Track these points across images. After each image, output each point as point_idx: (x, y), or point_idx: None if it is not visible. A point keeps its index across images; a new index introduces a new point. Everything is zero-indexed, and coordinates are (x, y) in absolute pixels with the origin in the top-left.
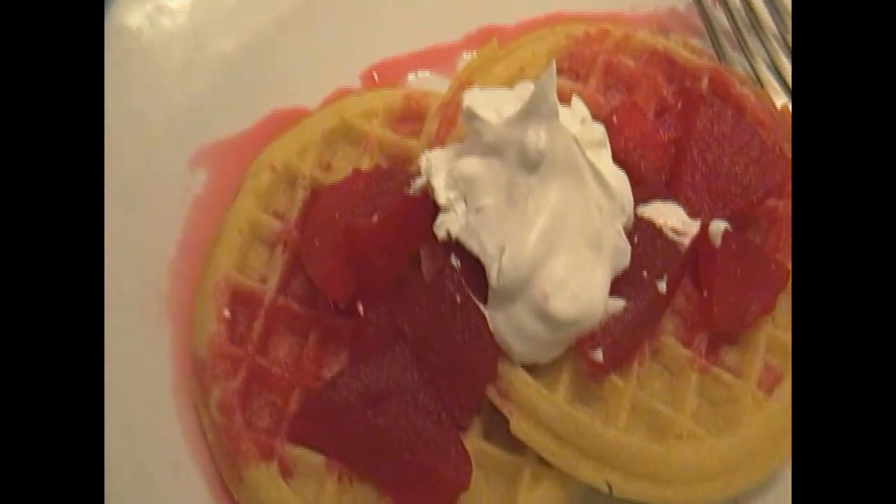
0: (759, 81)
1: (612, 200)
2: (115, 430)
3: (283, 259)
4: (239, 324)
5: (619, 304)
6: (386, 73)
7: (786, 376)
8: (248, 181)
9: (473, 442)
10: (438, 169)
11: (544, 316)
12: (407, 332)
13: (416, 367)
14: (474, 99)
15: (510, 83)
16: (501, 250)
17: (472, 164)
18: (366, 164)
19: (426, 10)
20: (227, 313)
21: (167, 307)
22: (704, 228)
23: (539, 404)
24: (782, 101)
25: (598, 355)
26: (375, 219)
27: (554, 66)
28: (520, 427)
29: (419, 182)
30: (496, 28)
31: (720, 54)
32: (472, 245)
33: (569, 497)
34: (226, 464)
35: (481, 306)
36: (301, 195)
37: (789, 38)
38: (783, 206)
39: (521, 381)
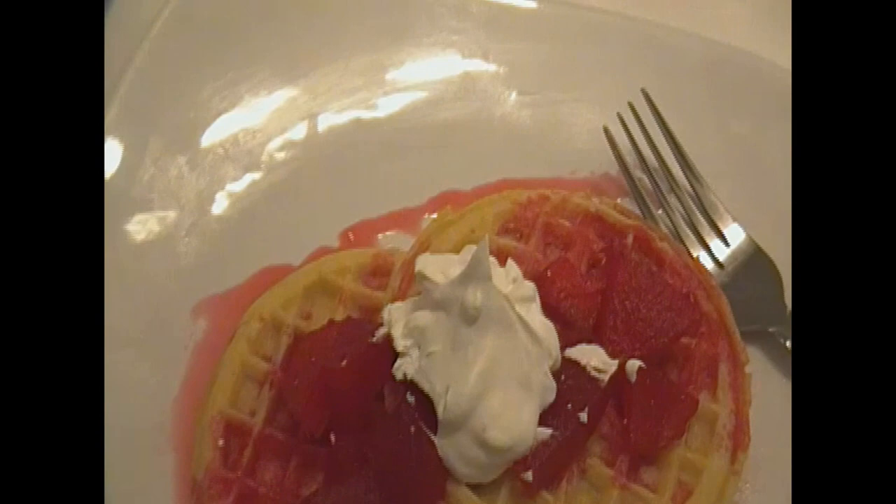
0: (678, 236)
1: (539, 346)
2: None
3: (269, 395)
4: (231, 451)
5: (546, 432)
6: (360, 233)
7: (696, 490)
8: (241, 329)
9: None
10: (398, 320)
11: (483, 444)
12: (370, 457)
13: (377, 488)
14: (425, 263)
15: (462, 243)
16: (447, 389)
17: (423, 317)
18: (340, 314)
19: (395, 179)
20: (221, 442)
21: (170, 439)
22: (622, 367)
23: None
24: (697, 252)
25: (529, 476)
26: (344, 363)
27: (487, 239)
28: None
29: (382, 331)
30: (454, 194)
31: (645, 213)
32: (424, 385)
33: None
34: None
35: (431, 436)
36: (285, 341)
37: (703, 196)
38: (695, 345)
39: (466, 498)
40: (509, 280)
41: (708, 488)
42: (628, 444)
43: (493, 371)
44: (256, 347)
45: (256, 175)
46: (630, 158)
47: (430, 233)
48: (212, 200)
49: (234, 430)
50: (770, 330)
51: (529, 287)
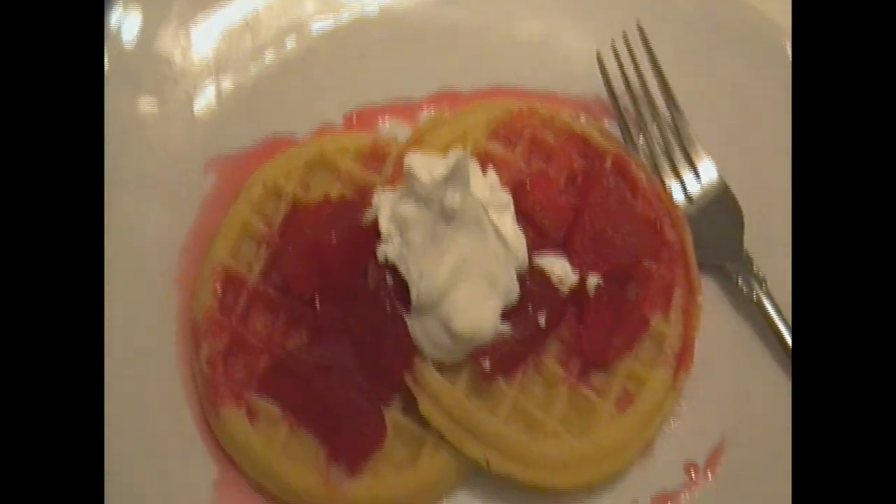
0: (655, 165)
1: (508, 251)
2: (125, 369)
3: (266, 255)
4: (228, 299)
5: (506, 329)
6: (363, 117)
7: (638, 399)
8: (245, 191)
9: (393, 414)
10: (385, 206)
11: (448, 330)
12: (351, 325)
13: (353, 353)
14: (413, 161)
15: (453, 142)
16: (420, 277)
17: (407, 208)
18: (337, 191)
19: (400, 70)
20: (219, 290)
21: (176, 282)
22: (583, 280)
23: (441, 392)
24: (669, 183)
25: (487, 365)
26: (334, 240)
27: (468, 149)
28: (425, 407)
29: (370, 215)
30: (452, 93)
31: (626, 139)
32: (402, 269)
33: (459, 467)
34: (207, 403)
35: (405, 315)
36: (284, 207)
37: (682, 131)
38: (656, 269)
39: (430, 374)
40: (487, 188)
41: (649, 399)
42: (581, 350)
43: (464, 267)
44: (258, 209)
45: (271, 48)
46: (619, 85)
47: (425, 129)
48: (228, 65)
49: (232, 281)
50: (726, 266)
51: (505, 196)
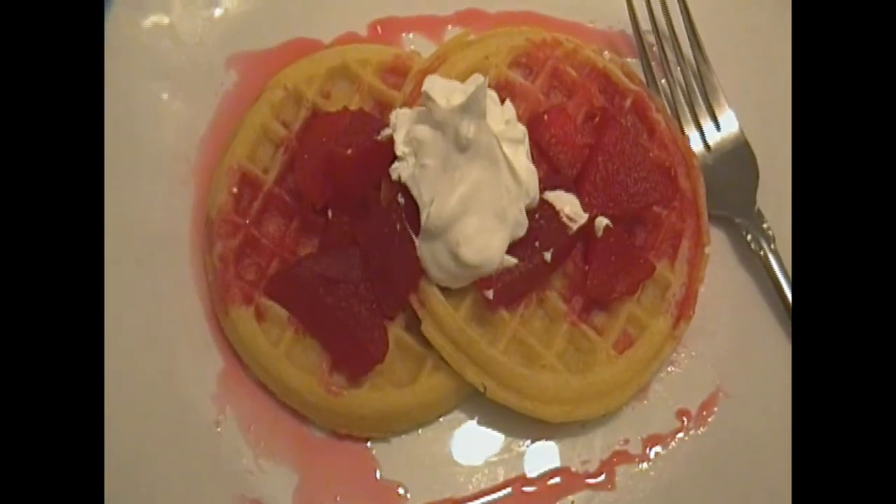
0: (676, 110)
1: (519, 185)
2: (141, 255)
3: (282, 159)
4: (243, 200)
5: (512, 261)
6: (387, 28)
7: (637, 342)
8: (266, 93)
9: (396, 330)
10: (402, 126)
11: (455, 257)
12: (360, 240)
13: (361, 267)
14: (432, 84)
15: (474, 66)
16: (431, 201)
17: (423, 131)
18: (356, 103)
19: None
20: (235, 190)
21: (194, 171)
22: (592, 220)
23: (444, 317)
24: (689, 130)
25: (490, 294)
26: (349, 152)
27: (486, 81)
28: (428, 329)
29: (387, 132)
30: (479, 12)
31: (649, 80)
32: (414, 191)
33: (457, 388)
34: (218, 300)
35: (414, 236)
36: (303, 113)
37: (706, 78)
38: (666, 215)
39: (434, 297)
40: (503, 120)
41: (648, 344)
42: (584, 288)
43: (474, 197)
44: (277, 112)
45: None
46: (645, 24)
47: (447, 49)
48: None
49: (247, 182)
50: (736, 220)
51: (520, 130)
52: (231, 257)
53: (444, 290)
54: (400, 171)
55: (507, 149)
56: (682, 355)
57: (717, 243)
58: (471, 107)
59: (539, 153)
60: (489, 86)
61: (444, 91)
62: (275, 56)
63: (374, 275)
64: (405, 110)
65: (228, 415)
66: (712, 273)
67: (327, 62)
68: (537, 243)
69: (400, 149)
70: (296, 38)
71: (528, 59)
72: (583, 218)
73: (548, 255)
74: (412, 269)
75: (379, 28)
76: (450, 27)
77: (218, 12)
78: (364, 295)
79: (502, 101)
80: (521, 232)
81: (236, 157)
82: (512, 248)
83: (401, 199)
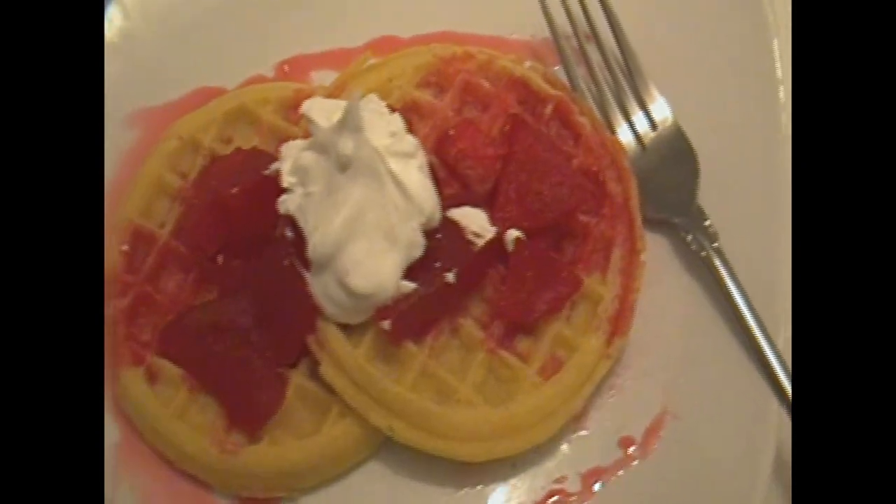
0: (606, 112)
1: (410, 203)
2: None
3: (179, 210)
4: (137, 257)
5: (410, 286)
6: (295, 67)
7: (564, 367)
8: (160, 145)
9: (298, 378)
10: (289, 157)
11: (345, 287)
12: (250, 282)
13: (252, 312)
14: (312, 106)
15: (377, 90)
16: (316, 229)
17: (308, 158)
18: (257, 144)
19: (336, 17)
20: (125, 248)
21: None
22: (501, 235)
23: (343, 356)
24: (622, 130)
25: (387, 325)
26: (235, 191)
27: (360, 91)
28: (327, 371)
29: (275, 165)
30: (392, 38)
31: (575, 84)
32: (301, 222)
33: (367, 435)
34: (109, 364)
35: (305, 272)
36: (200, 161)
37: (636, 74)
38: (595, 224)
39: (332, 335)
40: (387, 133)
41: (578, 366)
42: (501, 310)
43: (359, 219)
44: (173, 163)
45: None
46: (563, 23)
47: (347, 75)
48: (156, 10)
49: (141, 238)
50: (675, 221)
51: (410, 143)
52: (121, 318)
53: (346, 327)
54: (287, 203)
55: (394, 164)
56: (624, 377)
57: (659, 249)
58: (347, 122)
59: (449, 171)
60: (394, 108)
61: (326, 111)
62: (178, 108)
63: (267, 319)
64: (295, 141)
65: (123, 492)
66: (655, 282)
67: (224, 106)
68: (438, 264)
69: (286, 180)
70: (199, 87)
71: (438, 77)
72: (490, 232)
73: (451, 276)
74: (306, 308)
75: (286, 67)
76: (371, 62)
77: (112, 70)
78: (257, 341)
79: (409, 124)
80: (418, 253)
81: (126, 214)
82: (410, 272)
83: (289, 234)
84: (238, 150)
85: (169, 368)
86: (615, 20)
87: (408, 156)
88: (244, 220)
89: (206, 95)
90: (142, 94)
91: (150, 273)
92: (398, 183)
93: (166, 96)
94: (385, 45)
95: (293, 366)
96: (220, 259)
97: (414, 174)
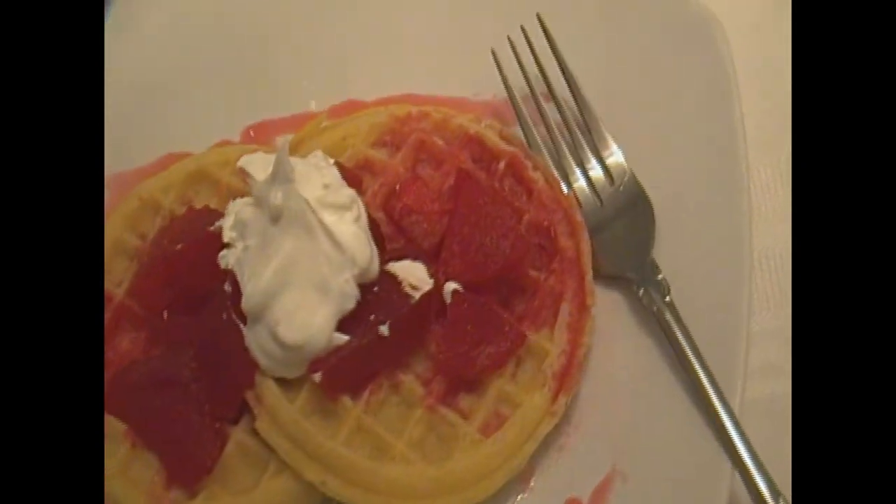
0: (563, 168)
1: (342, 254)
2: None
3: (135, 270)
4: None
5: (343, 338)
6: (260, 132)
7: (506, 424)
8: (120, 206)
9: (239, 434)
10: (232, 212)
11: (276, 339)
12: (191, 338)
13: (192, 367)
14: (248, 160)
15: (331, 149)
16: (249, 281)
17: (247, 212)
18: (216, 205)
19: (301, 82)
20: None
21: None
22: (439, 287)
23: (278, 410)
24: (578, 185)
25: (318, 377)
26: (179, 247)
27: (287, 142)
28: (262, 426)
29: (219, 222)
30: (356, 102)
31: (531, 142)
32: (239, 275)
33: (304, 492)
34: None
35: (241, 326)
36: (159, 222)
37: (592, 128)
38: (544, 279)
39: (269, 389)
40: (320, 185)
41: (521, 423)
42: (439, 365)
43: (290, 270)
44: (132, 224)
45: (170, 58)
46: (518, 82)
47: (303, 136)
48: (127, 77)
49: None
50: (628, 275)
51: (346, 195)
52: None
53: (284, 381)
54: (227, 258)
55: (327, 215)
56: (572, 435)
57: (612, 305)
58: (277, 173)
59: (393, 226)
60: (345, 165)
61: (264, 165)
62: (147, 173)
63: (206, 373)
64: (242, 198)
65: None
66: (607, 339)
67: (185, 169)
68: (372, 317)
69: (227, 235)
70: (167, 153)
71: (393, 136)
72: (428, 284)
73: (384, 329)
74: (245, 363)
75: (252, 132)
76: (325, 123)
77: None
78: (196, 396)
79: (360, 182)
80: (350, 305)
81: None
82: (343, 325)
83: (228, 288)
84: (190, 208)
85: (114, 423)
86: (571, 78)
87: (342, 208)
88: (188, 277)
89: (173, 160)
90: (114, 160)
91: (105, 332)
92: (330, 234)
93: (136, 161)
94: (348, 109)
95: (235, 421)
96: (165, 315)
97: (348, 226)
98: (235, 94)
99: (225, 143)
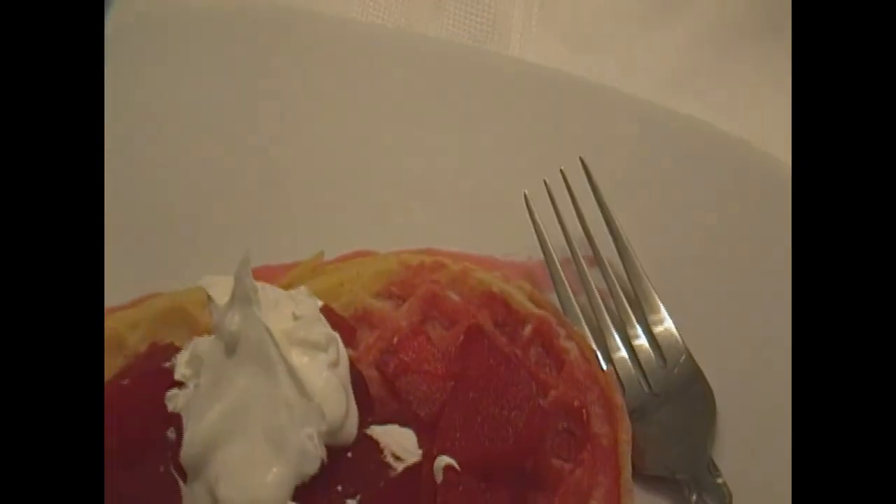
0: (604, 343)
1: (308, 403)
2: None
3: None
4: None
5: None
6: (260, 277)
7: None
8: None
9: None
10: (189, 346)
11: (215, 499)
12: (126, 494)
13: None
14: (211, 281)
15: (325, 293)
16: (190, 426)
17: (204, 345)
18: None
19: (312, 231)
20: None
21: None
22: (430, 461)
23: None
24: (619, 361)
25: None
26: (126, 382)
27: (248, 256)
28: None
29: (175, 357)
30: (367, 252)
31: (566, 309)
32: (185, 419)
33: None
34: None
35: (180, 481)
36: (120, 362)
37: (644, 299)
38: (570, 470)
39: None
40: (290, 316)
41: None
42: None
43: (239, 415)
44: None
45: (165, 196)
46: (554, 236)
47: (295, 276)
48: (118, 219)
49: None
50: (678, 477)
51: (322, 332)
52: None
53: None
54: (176, 399)
55: (296, 354)
56: None
57: None
58: (237, 293)
59: (386, 387)
60: (343, 314)
61: (230, 288)
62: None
63: None
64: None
65: None
66: None
67: (159, 305)
68: (339, 487)
69: (180, 371)
70: (148, 293)
71: (401, 288)
72: (414, 456)
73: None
74: None
75: None
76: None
77: None
78: None
79: (353, 333)
80: (312, 468)
81: None
82: (303, 494)
83: (171, 435)
84: (153, 344)
85: None
86: (618, 233)
87: (315, 347)
88: (130, 420)
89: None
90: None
91: None
92: (295, 376)
93: (117, 300)
94: (357, 258)
95: None
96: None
97: (320, 371)
98: (233, 237)
99: None
